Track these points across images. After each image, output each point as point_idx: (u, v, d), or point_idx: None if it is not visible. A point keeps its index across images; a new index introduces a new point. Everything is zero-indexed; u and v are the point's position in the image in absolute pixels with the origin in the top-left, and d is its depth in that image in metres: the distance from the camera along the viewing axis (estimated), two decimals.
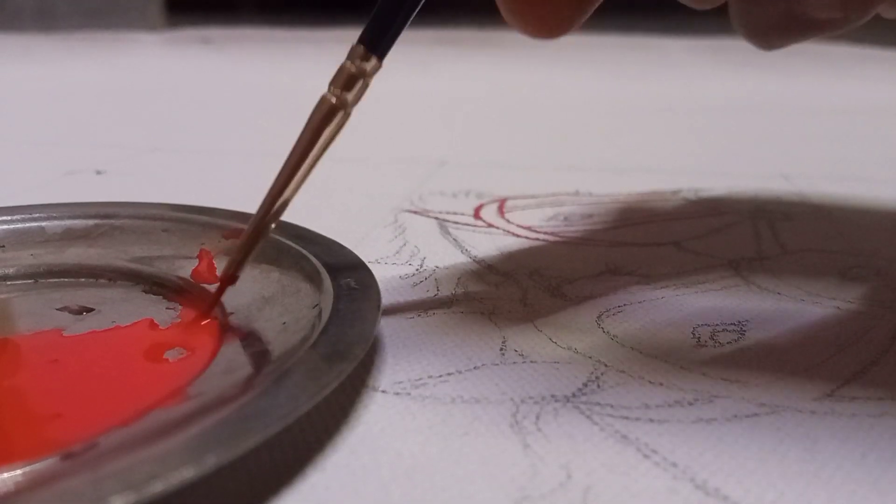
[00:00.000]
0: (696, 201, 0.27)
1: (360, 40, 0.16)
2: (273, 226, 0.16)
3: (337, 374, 0.13)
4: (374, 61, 0.16)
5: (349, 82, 0.16)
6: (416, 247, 0.22)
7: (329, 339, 0.14)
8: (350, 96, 0.16)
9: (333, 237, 0.19)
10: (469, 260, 0.21)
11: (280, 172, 0.16)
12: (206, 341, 0.16)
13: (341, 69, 0.16)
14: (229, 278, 0.17)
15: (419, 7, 0.16)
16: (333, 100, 0.16)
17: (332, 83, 0.16)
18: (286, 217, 0.20)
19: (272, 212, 0.16)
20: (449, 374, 0.15)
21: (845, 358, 0.16)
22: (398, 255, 0.22)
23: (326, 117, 0.16)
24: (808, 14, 0.16)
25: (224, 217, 0.20)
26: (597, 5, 0.17)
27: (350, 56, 0.16)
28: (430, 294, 0.19)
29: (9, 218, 0.20)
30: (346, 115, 0.16)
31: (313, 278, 0.17)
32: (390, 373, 0.15)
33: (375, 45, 0.16)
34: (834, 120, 0.43)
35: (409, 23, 0.16)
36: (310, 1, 1.44)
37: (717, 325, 0.17)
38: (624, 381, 0.15)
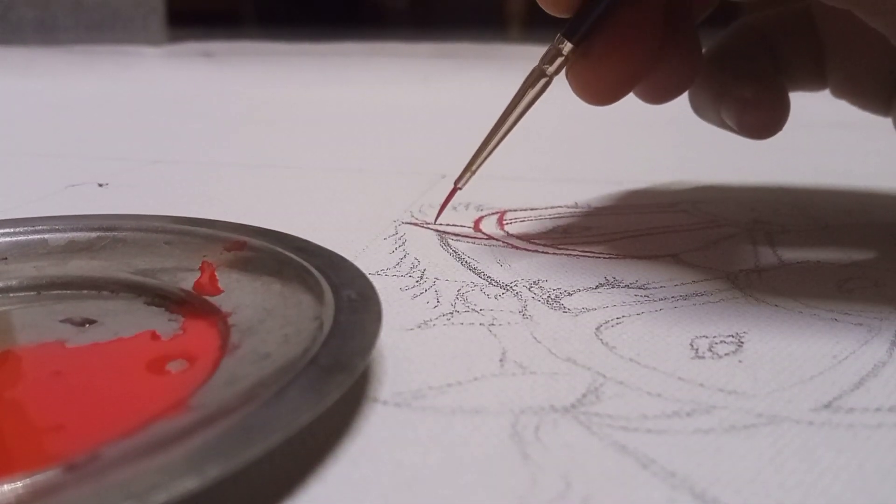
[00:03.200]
0: (694, 213, 0.27)
1: (562, 34, 0.21)
2: (490, 154, 0.23)
3: (338, 385, 0.13)
4: (567, 45, 0.21)
5: (552, 58, 0.22)
6: (416, 259, 0.23)
7: (330, 350, 0.14)
8: (551, 69, 0.22)
9: (334, 249, 0.19)
10: (469, 272, 0.21)
11: (497, 122, 0.23)
12: (208, 353, 0.16)
13: (548, 49, 0.22)
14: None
15: (602, 9, 0.21)
16: (541, 69, 0.22)
17: (540, 60, 0.22)
18: (286, 228, 0.20)
19: (491, 144, 0.23)
20: (449, 386, 0.15)
21: (843, 369, 0.16)
22: (398, 267, 0.22)
23: (534, 80, 0.22)
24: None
25: (226, 229, 0.20)
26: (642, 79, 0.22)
27: (554, 42, 0.22)
28: (430, 306, 0.19)
29: (11, 230, 0.21)
30: (549, 81, 0.22)
31: (314, 290, 0.17)
32: (391, 384, 0.15)
33: (570, 34, 0.21)
34: (831, 132, 0.43)
35: (593, 19, 0.21)
36: (310, 15, 1.45)
37: (714, 336, 0.18)
38: (622, 392, 0.15)
